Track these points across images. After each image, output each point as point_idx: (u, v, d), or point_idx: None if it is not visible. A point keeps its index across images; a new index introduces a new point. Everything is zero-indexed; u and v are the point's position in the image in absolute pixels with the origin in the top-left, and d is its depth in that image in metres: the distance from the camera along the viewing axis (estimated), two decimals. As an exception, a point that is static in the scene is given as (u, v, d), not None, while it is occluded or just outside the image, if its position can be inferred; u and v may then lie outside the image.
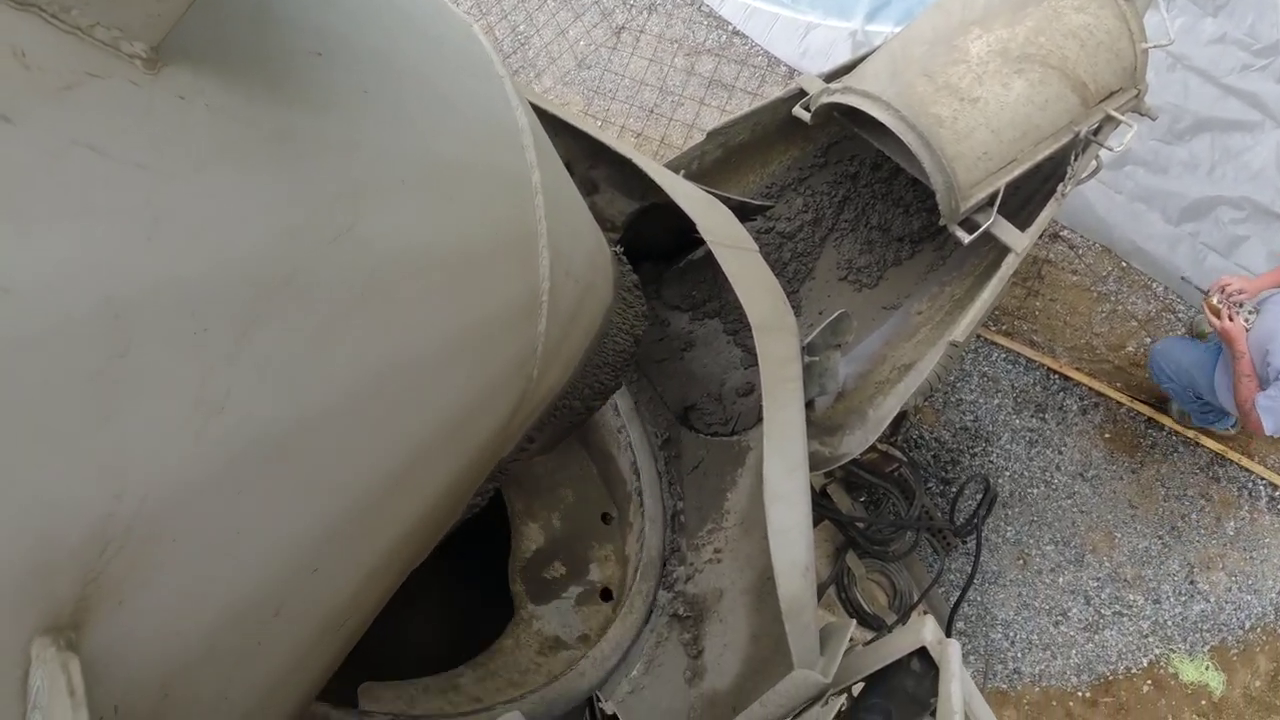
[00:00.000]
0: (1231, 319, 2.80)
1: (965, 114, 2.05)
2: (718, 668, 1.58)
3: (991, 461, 3.99)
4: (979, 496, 3.28)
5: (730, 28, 4.77)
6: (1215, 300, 2.89)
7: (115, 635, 0.50)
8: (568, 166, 2.03)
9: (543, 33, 5.18)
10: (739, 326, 2.30)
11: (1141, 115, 2.46)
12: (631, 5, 5.03)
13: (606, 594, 1.86)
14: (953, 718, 1.32)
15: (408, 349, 0.71)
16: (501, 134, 0.94)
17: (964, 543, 3.66)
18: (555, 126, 1.95)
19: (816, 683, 1.27)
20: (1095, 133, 2.30)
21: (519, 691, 1.47)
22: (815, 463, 2.06)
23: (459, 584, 1.98)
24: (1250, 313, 2.85)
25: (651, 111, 4.83)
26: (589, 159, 2.03)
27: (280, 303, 0.59)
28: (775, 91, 3.98)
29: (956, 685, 1.40)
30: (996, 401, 4.06)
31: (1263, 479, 3.76)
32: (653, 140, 4.77)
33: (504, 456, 1.07)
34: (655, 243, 2.34)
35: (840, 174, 2.61)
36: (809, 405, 2.01)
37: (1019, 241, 2.14)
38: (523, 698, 1.44)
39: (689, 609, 1.72)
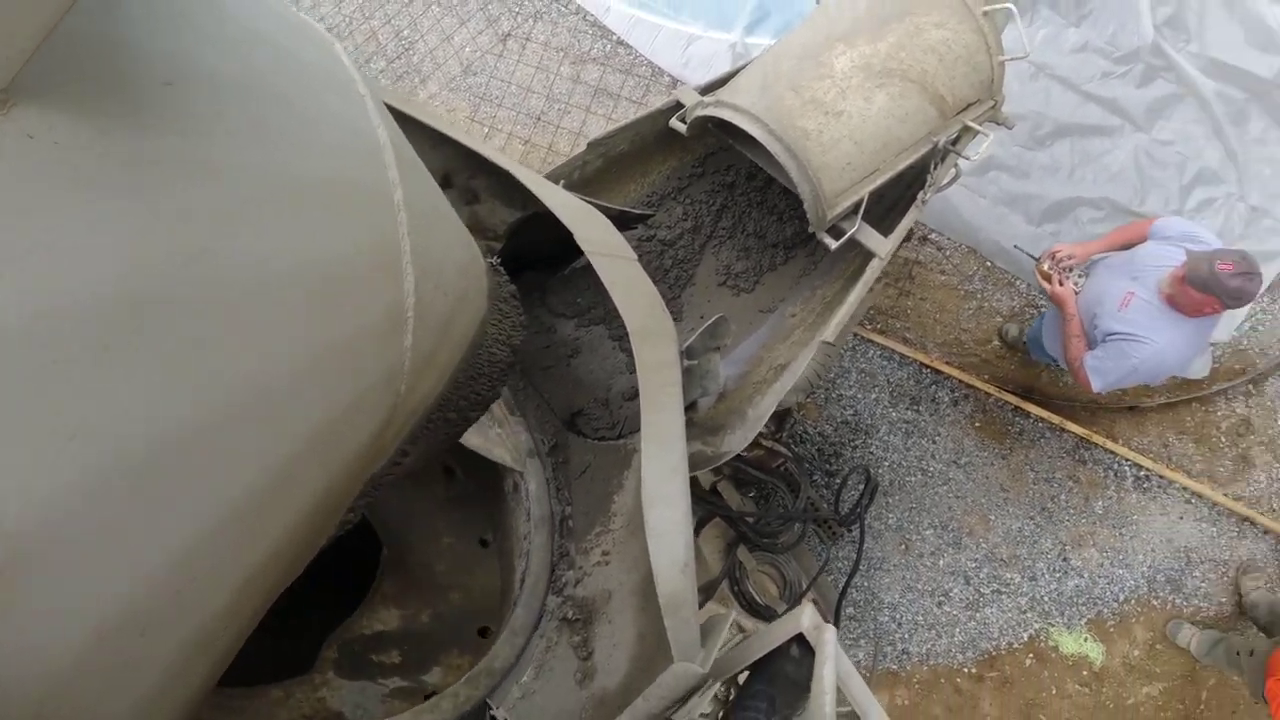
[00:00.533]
0: (1061, 283, 2.99)
1: (830, 127, 2.16)
2: (607, 668, 1.60)
3: (871, 453, 4.17)
4: (861, 487, 3.41)
5: (615, 37, 4.84)
6: (1046, 266, 3.07)
7: None
8: (448, 177, 2.03)
9: (427, 38, 5.12)
10: (623, 332, 2.34)
11: (998, 125, 2.63)
12: (517, 13, 5.03)
13: (484, 542, 1.85)
14: (824, 697, 1.39)
15: (268, 367, 0.72)
16: (362, 152, 0.95)
17: (849, 531, 3.81)
18: (434, 138, 1.94)
19: (695, 674, 1.31)
20: (954, 142, 2.45)
21: None
22: (699, 462, 2.12)
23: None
24: (1080, 276, 3.05)
25: (539, 118, 4.84)
26: (469, 169, 2.04)
27: (135, 329, 0.59)
28: (659, 100, 4.06)
29: (830, 667, 1.48)
30: (874, 396, 4.24)
31: (1127, 460, 4.03)
32: (540, 147, 4.79)
33: (376, 471, 1.08)
34: (539, 251, 2.36)
35: (718, 183, 2.70)
36: (691, 407, 2.07)
37: (882, 246, 2.27)
38: None
39: (578, 612, 1.74)
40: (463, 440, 1.78)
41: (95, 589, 0.59)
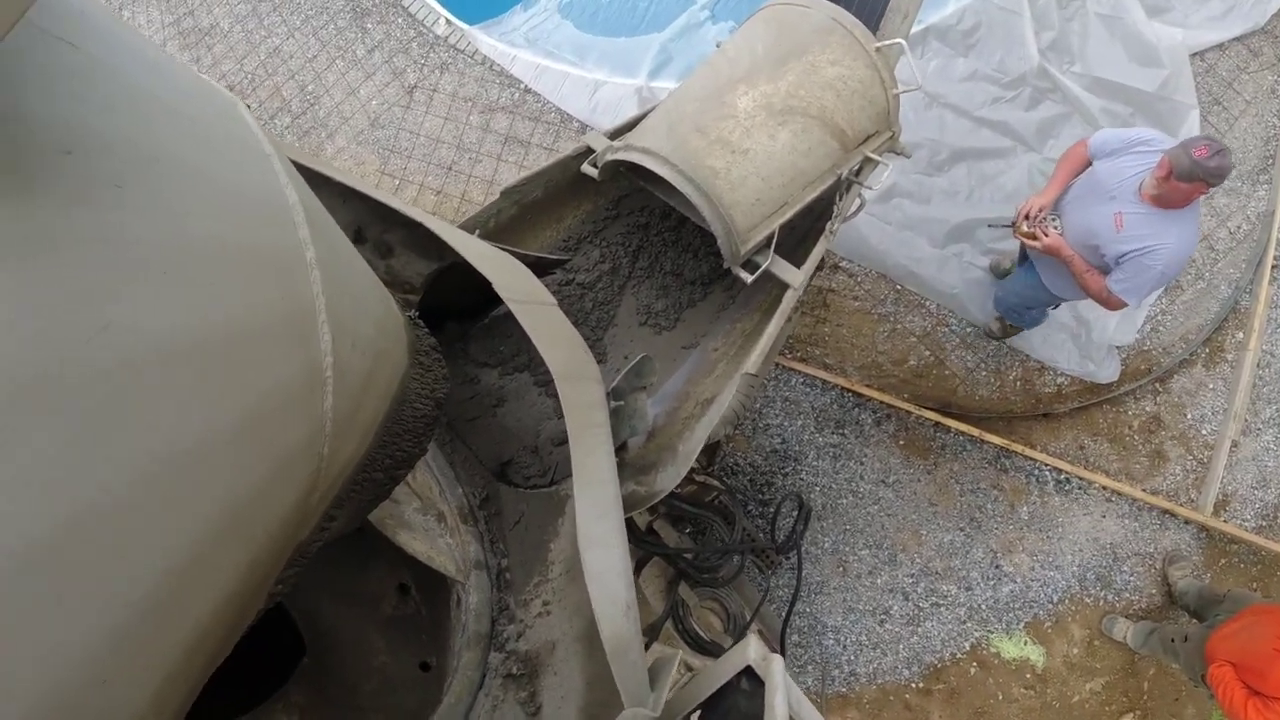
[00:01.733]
0: (1047, 234, 3.14)
1: (737, 164, 2.22)
2: None
3: (802, 479, 4.23)
4: (795, 513, 3.44)
5: (522, 85, 4.89)
6: (1025, 228, 3.22)
7: None
8: (359, 232, 2.01)
9: (333, 92, 5.07)
10: (548, 378, 2.33)
11: (897, 154, 2.74)
12: (422, 65, 5.04)
13: (425, 666, 1.78)
14: (776, 728, 1.39)
15: (179, 440, 0.69)
16: (270, 212, 0.93)
17: (787, 559, 3.85)
18: (344, 193, 1.92)
19: (646, 719, 1.30)
20: (856, 173, 2.55)
21: None
22: (634, 502, 2.12)
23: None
24: (1054, 220, 3.20)
25: (450, 169, 4.83)
26: (381, 223, 2.01)
27: (31, 412, 0.56)
28: (570, 146, 4.11)
29: (780, 696, 1.48)
30: (800, 423, 4.31)
31: (1046, 465, 4.19)
32: (453, 197, 4.77)
33: (304, 539, 1.04)
34: (458, 301, 2.34)
35: (632, 224, 2.74)
36: (621, 448, 2.07)
37: (796, 277, 2.33)
38: None
39: (522, 666, 1.70)
40: (406, 547, 1.72)
41: (3, 691, 0.54)
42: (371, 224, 2.02)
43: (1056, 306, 3.99)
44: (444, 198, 4.78)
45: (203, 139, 0.91)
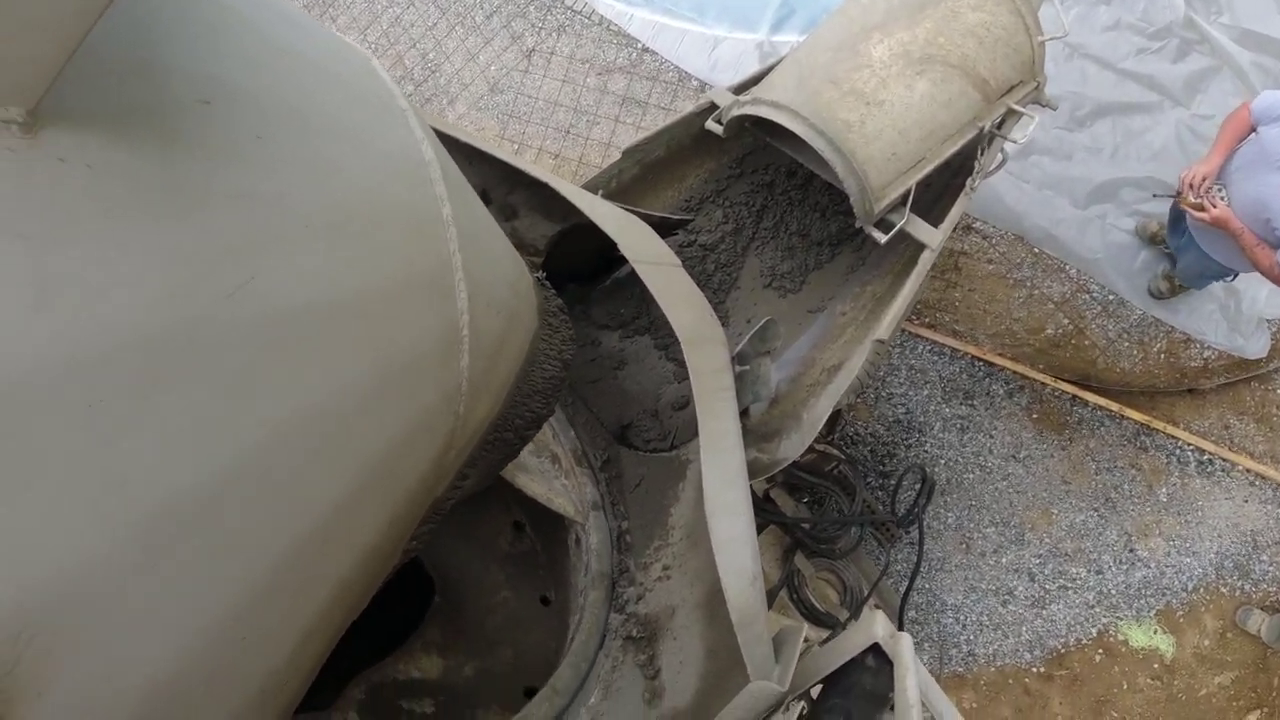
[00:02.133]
0: (1215, 205, 2.89)
1: (872, 117, 2.10)
2: (676, 686, 1.56)
3: (926, 451, 4.08)
4: (917, 486, 3.34)
5: (639, 45, 4.82)
6: (1192, 199, 2.96)
7: None
8: (484, 194, 2.01)
9: (453, 59, 5.15)
10: (669, 341, 2.30)
11: (1042, 106, 2.56)
12: (540, 28, 5.03)
13: (545, 600, 1.81)
14: (910, 712, 1.33)
15: (322, 399, 0.69)
16: (407, 169, 0.92)
17: (907, 533, 3.74)
18: (469, 155, 1.92)
19: (774, 693, 1.27)
20: (998, 126, 2.38)
21: None
22: (755, 470, 2.07)
23: None
24: (1219, 191, 2.95)
25: (567, 132, 4.83)
26: (506, 185, 2.02)
27: (177, 365, 0.56)
28: (688, 105, 4.03)
29: (912, 678, 1.42)
30: (926, 392, 4.15)
31: (1189, 445, 3.92)
32: (570, 161, 4.78)
33: (438, 495, 1.05)
34: (580, 264, 2.33)
35: (757, 183, 2.65)
36: (744, 414, 2.02)
37: (933, 238, 2.20)
38: None
39: (642, 629, 1.70)
40: (525, 489, 1.74)
41: (153, 644, 0.55)
42: (497, 186, 2.02)
43: (1234, 278, 3.66)
44: (561, 161, 4.79)
45: (341, 93, 0.90)
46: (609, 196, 2.49)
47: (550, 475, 1.89)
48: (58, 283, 0.50)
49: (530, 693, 1.78)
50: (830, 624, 3.20)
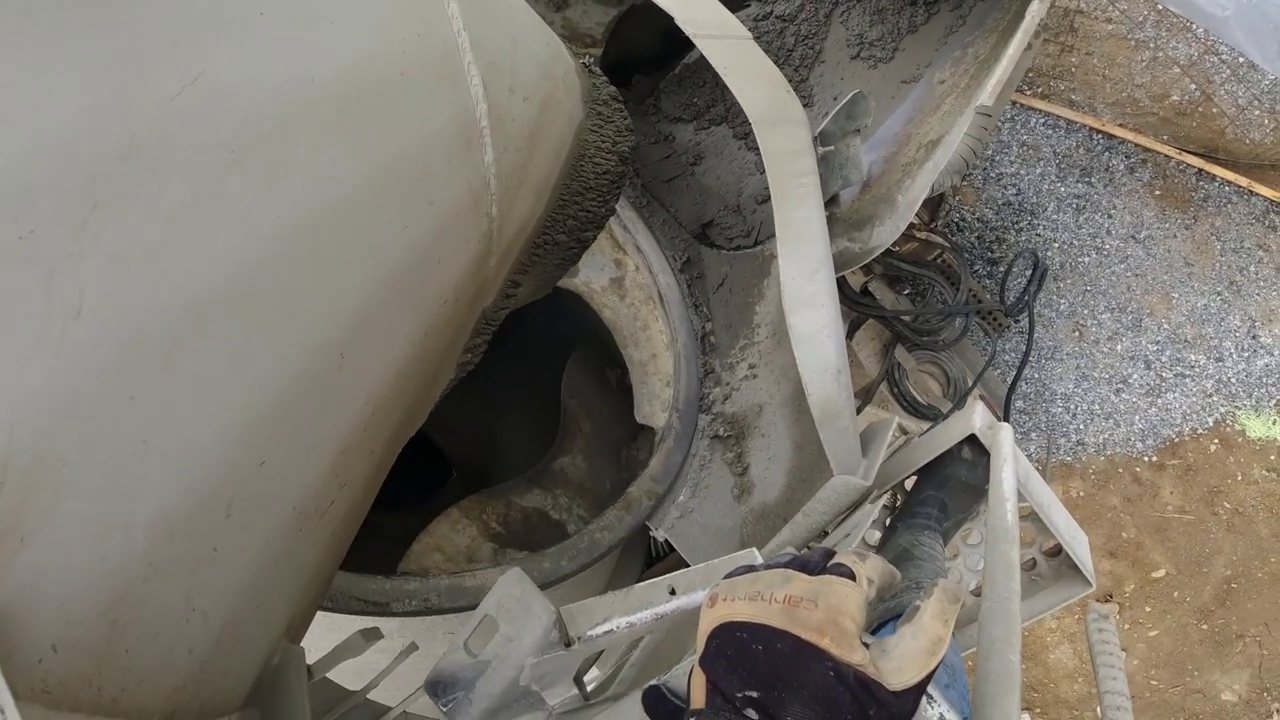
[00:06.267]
0: None
1: None
2: (765, 481, 1.57)
3: (1039, 235, 3.85)
4: (1028, 273, 3.17)
5: None
6: None
7: (27, 575, 0.45)
8: (530, -22, 1.82)
9: None
10: (749, 129, 2.12)
11: None
12: None
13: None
14: (1004, 503, 1.28)
15: (312, 203, 0.62)
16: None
17: (1016, 322, 3.59)
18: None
19: (857, 487, 1.23)
20: None
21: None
22: (846, 260, 1.95)
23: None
24: None
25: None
26: None
27: (122, 180, 0.49)
28: None
29: (1009, 470, 1.36)
30: (1039, 170, 3.86)
31: (1322, 223, 3.60)
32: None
33: (487, 305, 1.00)
34: (645, 51, 2.14)
35: (840, -64, 2.31)
36: (832, 201, 1.88)
37: (1048, -25, 1.88)
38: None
39: (729, 428, 1.70)
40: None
41: (148, 479, 0.51)
42: None
43: None
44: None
45: None
46: (671, -33, 2.24)
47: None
48: None
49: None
50: (932, 416, 3.16)
